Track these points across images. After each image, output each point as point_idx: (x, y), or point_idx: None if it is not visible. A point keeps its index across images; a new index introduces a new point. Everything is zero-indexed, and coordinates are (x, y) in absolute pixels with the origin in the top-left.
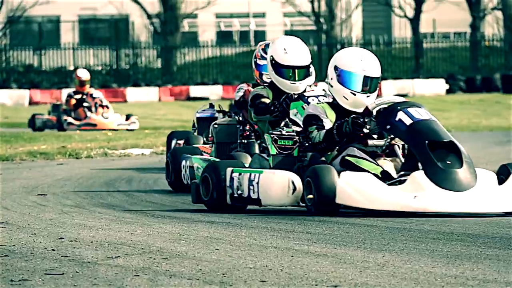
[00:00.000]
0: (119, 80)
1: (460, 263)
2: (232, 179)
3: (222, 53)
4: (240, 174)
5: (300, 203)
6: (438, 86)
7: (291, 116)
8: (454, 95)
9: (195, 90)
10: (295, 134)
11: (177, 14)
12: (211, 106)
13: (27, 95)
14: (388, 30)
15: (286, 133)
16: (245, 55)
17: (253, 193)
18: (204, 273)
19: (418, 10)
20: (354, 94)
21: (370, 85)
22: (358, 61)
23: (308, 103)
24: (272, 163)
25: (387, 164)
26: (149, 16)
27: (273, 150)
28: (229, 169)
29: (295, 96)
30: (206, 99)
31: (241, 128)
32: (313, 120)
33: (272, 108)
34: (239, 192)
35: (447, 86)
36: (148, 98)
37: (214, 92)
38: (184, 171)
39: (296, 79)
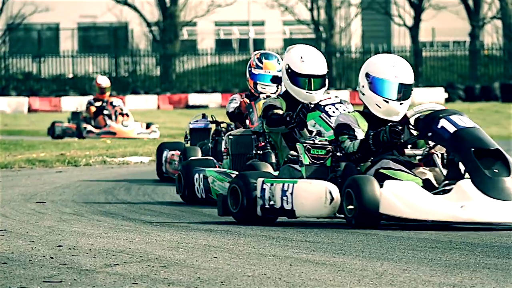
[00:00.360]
0: (118, 88)
1: (459, 272)
2: (263, 189)
3: (221, 61)
4: (272, 184)
5: (337, 214)
6: (437, 94)
7: (309, 128)
8: (453, 104)
9: (194, 98)
10: (328, 143)
11: (176, 22)
12: (204, 116)
13: (26, 103)
14: (387, 39)
15: (319, 142)
16: (244, 63)
17: (287, 204)
18: (203, 281)
19: (417, 19)
20: (387, 102)
21: (403, 92)
22: (391, 68)
23: (326, 112)
24: (305, 173)
25: (427, 174)
26: (148, 24)
27: (306, 160)
28: (260, 180)
29: (312, 106)
30: (205, 107)
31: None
32: (344, 129)
33: (288, 119)
34: (271, 203)
35: (446, 95)
36: (147, 106)
37: (213, 100)
38: (198, 185)
39: (312, 88)
